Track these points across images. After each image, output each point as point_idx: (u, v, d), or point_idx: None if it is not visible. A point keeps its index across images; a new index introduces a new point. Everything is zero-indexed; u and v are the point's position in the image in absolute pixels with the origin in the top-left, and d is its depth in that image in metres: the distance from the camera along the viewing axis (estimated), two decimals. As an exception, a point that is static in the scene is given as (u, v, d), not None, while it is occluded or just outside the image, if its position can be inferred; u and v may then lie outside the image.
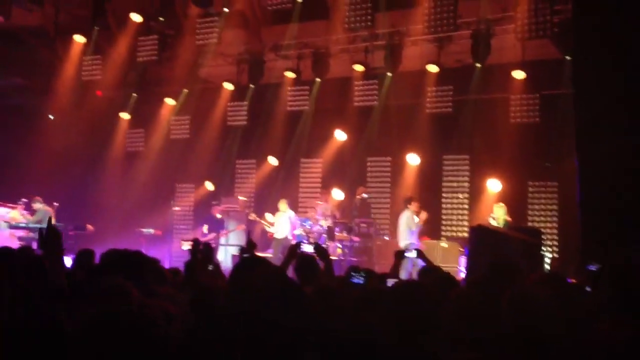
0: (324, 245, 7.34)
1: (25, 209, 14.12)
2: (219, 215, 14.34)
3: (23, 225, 13.73)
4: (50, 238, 3.97)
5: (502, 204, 11.80)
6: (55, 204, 13.95)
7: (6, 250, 4.87)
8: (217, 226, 14.24)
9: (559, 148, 12.29)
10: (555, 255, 12.77)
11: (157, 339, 2.55)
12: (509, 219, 11.62)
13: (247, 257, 5.38)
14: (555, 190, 13.16)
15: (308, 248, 5.59)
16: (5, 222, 13.62)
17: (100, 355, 2.40)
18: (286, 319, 2.78)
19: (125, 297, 3.10)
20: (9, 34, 15.57)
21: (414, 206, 12.13)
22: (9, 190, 14.70)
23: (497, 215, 11.65)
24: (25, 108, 16.52)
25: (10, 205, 14.11)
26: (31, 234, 13.33)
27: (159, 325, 2.63)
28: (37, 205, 13.91)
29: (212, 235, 13.94)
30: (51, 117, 16.32)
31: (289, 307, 2.95)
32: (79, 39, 15.39)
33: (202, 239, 13.67)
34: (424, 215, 12.19)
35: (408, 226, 11.94)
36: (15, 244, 11.68)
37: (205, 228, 14.19)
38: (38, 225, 13.48)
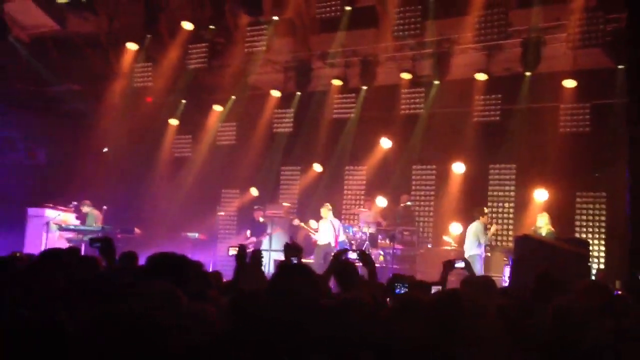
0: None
1: (75, 212, 14.45)
2: (261, 219, 14.45)
3: (72, 227, 14.07)
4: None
5: (545, 214, 11.59)
6: (104, 207, 14.25)
7: (56, 250, 5.10)
8: (259, 230, 14.36)
9: (608, 158, 12.07)
10: (602, 266, 12.52)
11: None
12: (552, 228, 11.40)
13: (287, 264, 5.42)
14: (604, 200, 12.91)
15: (353, 255, 5.60)
16: (55, 224, 13.97)
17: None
18: (318, 327, 2.81)
19: (174, 301, 3.16)
20: (65, 41, 16.05)
21: (484, 218, 12.01)
22: (61, 193, 15.10)
23: (541, 225, 11.46)
24: (79, 113, 16.95)
25: (61, 208, 14.48)
26: (79, 236, 13.65)
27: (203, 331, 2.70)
28: (86, 209, 14.21)
29: (254, 239, 14.06)
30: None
31: (323, 315, 2.98)
32: (131, 46, 15.71)
33: (245, 243, 13.89)
34: (494, 228, 12.10)
35: (477, 237, 11.83)
36: (64, 245, 11.99)
37: (248, 233, 14.33)
38: (87, 228, 13.83)
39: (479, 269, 11.39)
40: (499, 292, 4.91)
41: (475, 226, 11.95)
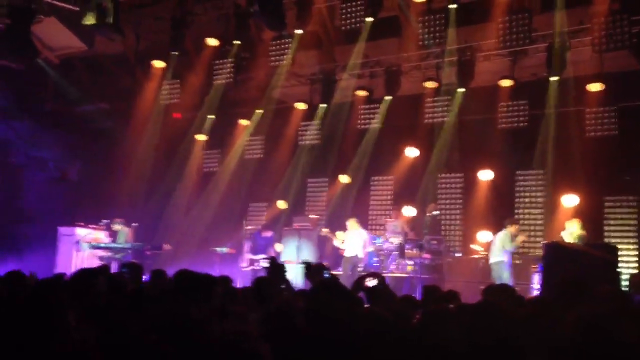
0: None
1: (106, 230, 14.62)
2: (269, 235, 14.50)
3: (102, 245, 14.23)
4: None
5: (575, 220, 11.44)
6: (133, 224, 14.40)
7: (88, 270, 5.25)
8: (262, 246, 14.30)
9: (637, 161, 11.93)
10: (634, 271, 12.32)
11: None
12: (583, 232, 11.24)
13: (324, 283, 5.42)
14: (634, 204, 12.74)
15: (372, 282, 5.65)
16: (86, 242, 14.14)
17: None
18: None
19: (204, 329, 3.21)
20: (93, 61, 16.34)
21: (513, 228, 11.98)
22: (91, 211, 15.33)
23: (572, 231, 11.31)
24: (108, 132, 17.22)
25: (92, 226, 14.66)
26: (110, 254, 13.81)
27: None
28: (117, 227, 14.33)
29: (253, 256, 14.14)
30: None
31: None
32: (158, 64, 15.93)
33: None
34: (521, 237, 12.06)
35: (503, 244, 11.80)
36: (95, 263, 12.15)
37: (246, 247, 14.32)
38: (117, 245, 13.99)
39: (506, 277, 11.39)
40: (519, 300, 4.89)
41: (502, 234, 11.92)
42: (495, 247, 11.92)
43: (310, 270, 6.27)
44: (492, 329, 3.41)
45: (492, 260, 11.87)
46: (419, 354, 3.26)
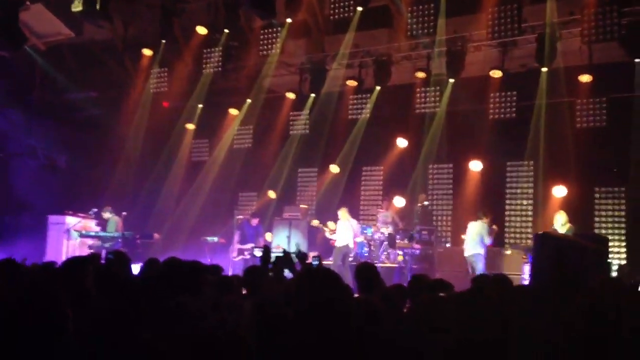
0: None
1: (96, 219, 14.57)
2: (256, 224, 14.52)
3: (93, 234, 14.18)
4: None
5: (562, 212, 11.40)
6: (123, 213, 14.35)
7: (78, 258, 5.21)
8: (251, 236, 14.37)
9: (627, 152, 11.98)
10: (623, 262, 12.41)
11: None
12: (571, 225, 11.20)
13: (311, 269, 5.42)
14: (623, 195, 12.81)
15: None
16: (76, 231, 14.09)
17: None
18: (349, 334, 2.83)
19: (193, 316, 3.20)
20: (81, 49, 16.19)
21: (488, 219, 11.92)
22: (81, 200, 15.25)
23: (560, 224, 11.25)
24: (97, 120, 17.10)
25: (82, 215, 14.60)
26: (100, 242, 13.76)
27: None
28: (107, 215, 14.29)
29: (241, 246, 14.15)
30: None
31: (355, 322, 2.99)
32: (147, 52, 15.82)
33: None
34: (496, 228, 12.03)
35: (481, 237, 11.70)
36: (85, 252, 12.10)
37: (236, 237, 14.33)
38: (108, 234, 13.94)
39: (481, 268, 11.36)
40: (512, 286, 4.89)
41: (479, 226, 11.77)
42: (472, 239, 11.72)
43: (299, 257, 6.25)
44: (485, 317, 3.40)
45: (469, 252, 11.65)
46: (409, 342, 3.25)
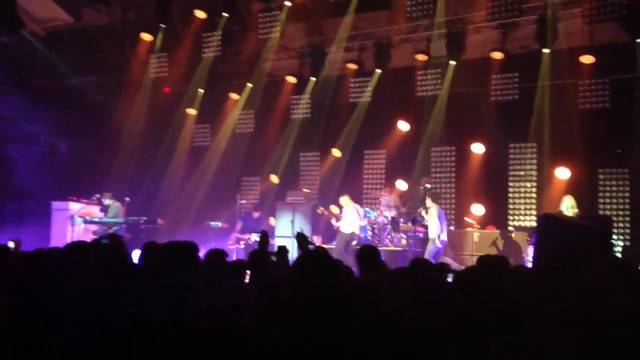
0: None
1: (99, 204, 14.58)
2: (255, 215, 14.54)
3: (96, 220, 14.19)
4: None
5: (570, 196, 11.40)
6: (126, 198, 14.35)
7: (81, 243, 5.25)
8: (251, 226, 14.36)
9: (630, 134, 11.95)
10: (627, 243, 12.42)
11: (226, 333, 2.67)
12: (577, 210, 11.18)
13: (309, 252, 5.43)
14: (626, 177, 12.80)
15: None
16: (80, 217, 14.10)
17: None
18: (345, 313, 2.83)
19: (194, 295, 3.21)
20: (80, 34, 16.11)
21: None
22: (84, 185, 15.26)
23: (568, 206, 11.25)
24: (98, 105, 17.06)
25: (84, 200, 14.61)
26: (104, 228, 13.77)
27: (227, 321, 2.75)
28: (107, 201, 14.28)
29: (244, 235, 14.18)
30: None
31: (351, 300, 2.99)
32: (145, 37, 15.74)
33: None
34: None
35: (439, 219, 11.93)
36: (89, 238, 12.11)
37: (238, 226, 14.35)
38: (112, 220, 13.94)
39: (433, 250, 11.67)
40: (513, 271, 4.88)
41: (437, 209, 12.03)
42: (436, 221, 11.95)
43: (299, 240, 6.28)
44: (485, 298, 3.40)
45: (434, 235, 11.90)
46: (410, 324, 3.25)
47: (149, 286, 3.44)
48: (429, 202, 12.29)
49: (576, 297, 3.05)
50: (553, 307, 3.18)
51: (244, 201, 15.19)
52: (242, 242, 13.94)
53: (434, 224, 11.90)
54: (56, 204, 14.64)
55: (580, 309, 3.02)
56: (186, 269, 4.23)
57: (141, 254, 5.89)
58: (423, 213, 12.59)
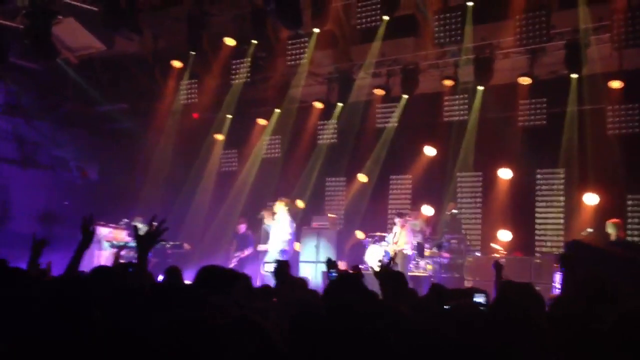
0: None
1: (126, 229, 14.70)
2: (243, 231, 14.54)
3: (123, 244, 14.30)
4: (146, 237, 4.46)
5: (614, 221, 11.05)
6: (154, 224, 14.42)
7: (104, 269, 5.26)
8: (242, 244, 14.45)
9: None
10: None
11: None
12: (620, 234, 10.93)
13: (342, 277, 5.41)
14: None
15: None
16: (107, 241, 14.24)
17: None
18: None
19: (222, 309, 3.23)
20: (112, 61, 16.45)
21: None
22: (112, 210, 15.41)
23: (611, 232, 11.02)
24: (128, 132, 17.32)
25: (113, 225, 14.75)
26: (132, 253, 13.86)
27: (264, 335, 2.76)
28: (139, 225, 14.37)
29: (239, 253, 14.20)
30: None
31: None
32: (176, 64, 16.01)
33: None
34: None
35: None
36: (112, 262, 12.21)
37: (234, 247, 14.40)
38: (139, 244, 14.04)
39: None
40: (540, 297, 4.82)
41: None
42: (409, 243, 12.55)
43: (328, 265, 6.30)
44: (512, 326, 3.38)
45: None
46: (439, 350, 3.25)
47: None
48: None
49: (631, 326, 2.93)
50: (601, 336, 3.08)
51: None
52: (234, 261, 14.02)
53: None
54: (84, 229, 14.75)
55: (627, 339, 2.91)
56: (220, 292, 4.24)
57: (164, 279, 5.97)
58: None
